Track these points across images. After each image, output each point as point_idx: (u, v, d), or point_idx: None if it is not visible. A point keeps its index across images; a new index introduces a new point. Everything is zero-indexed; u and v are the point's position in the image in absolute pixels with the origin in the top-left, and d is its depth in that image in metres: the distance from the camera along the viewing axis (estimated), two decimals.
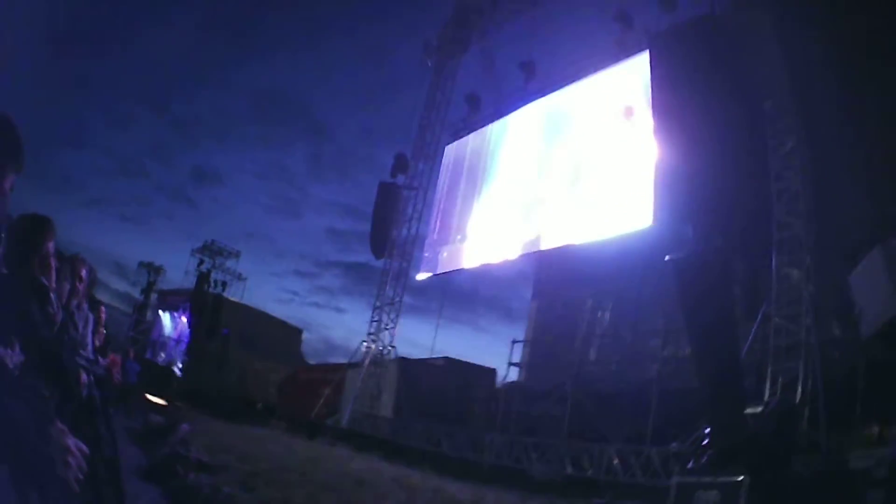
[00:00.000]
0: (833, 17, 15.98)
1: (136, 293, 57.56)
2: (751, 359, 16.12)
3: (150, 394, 22.59)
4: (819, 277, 15.51)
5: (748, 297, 18.10)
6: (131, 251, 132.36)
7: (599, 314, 25.28)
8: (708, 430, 15.07)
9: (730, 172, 16.98)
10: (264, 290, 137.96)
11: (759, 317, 16.48)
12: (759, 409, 14.45)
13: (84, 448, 2.78)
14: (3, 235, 3.75)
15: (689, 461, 15.38)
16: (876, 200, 15.32)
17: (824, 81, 16.02)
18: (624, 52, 23.32)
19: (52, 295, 4.85)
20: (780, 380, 14.80)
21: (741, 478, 12.29)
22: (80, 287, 6.53)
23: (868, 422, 13.57)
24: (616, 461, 17.99)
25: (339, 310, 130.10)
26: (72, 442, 2.72)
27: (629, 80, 22.59)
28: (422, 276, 31.48)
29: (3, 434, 2.46)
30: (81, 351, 6.65)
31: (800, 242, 15.85)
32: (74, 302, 6.30)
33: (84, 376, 5.95)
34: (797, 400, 14.20)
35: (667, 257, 17.91)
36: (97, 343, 8.08)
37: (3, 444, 2.46)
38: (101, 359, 8.46)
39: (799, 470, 12.68)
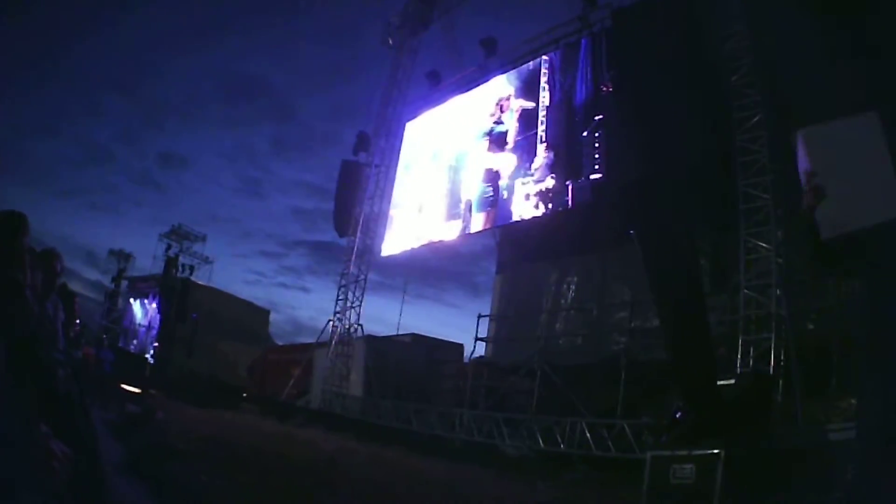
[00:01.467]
0: None
1: (107, 281, 57.52)
2: (720, 330, 16.23)
3: (125, 383, 22.47)
4: (788, 248, 15.65)
5: (714, 270, 18.24)
6: (102, 239, 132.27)
7: (564, 287, 25.30)
8: (680, 403, 15.17)
9: (696, 144, 17.10)
10: (231, 273, 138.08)
11: (730, 287, 16.64)
12: (732, 380, 14.56)
13: (68, 451, 2.79)
14: None
15: (663, 434, 15.49)
16: None
17: (791, 52, 16.09)
18: (586, 27, 23.38)
19: (26, 291, 4.83)
20: (751, 351, 14.93)
21: (717, 451, 12.40)
22: (55, 281, 6.53)
23: (844, 394, 13.75)
24: (588, 435, 18.08)
25: (305, 289, 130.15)
26: (56, 446, 2.72)
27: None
28: (386, 252, 31.50)
29: None
30: (58, 345, 6.63)
31: (767, 216, 15.95)
32: (49, 297, 6.29)
33: (61, 371, 5.93)
34: (770, 371, 14.32)
35: (630, 231, 18.02)
36: (72, 335, 8.04)
37: None
38: (76, 351, 8.43)
39: (776, 442, 12.80)
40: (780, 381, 14.22)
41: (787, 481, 11.43)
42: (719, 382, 14.58)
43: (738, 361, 15.00)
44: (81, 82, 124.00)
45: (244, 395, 34.14)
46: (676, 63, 17.72)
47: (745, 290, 15.75)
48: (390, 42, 34.49)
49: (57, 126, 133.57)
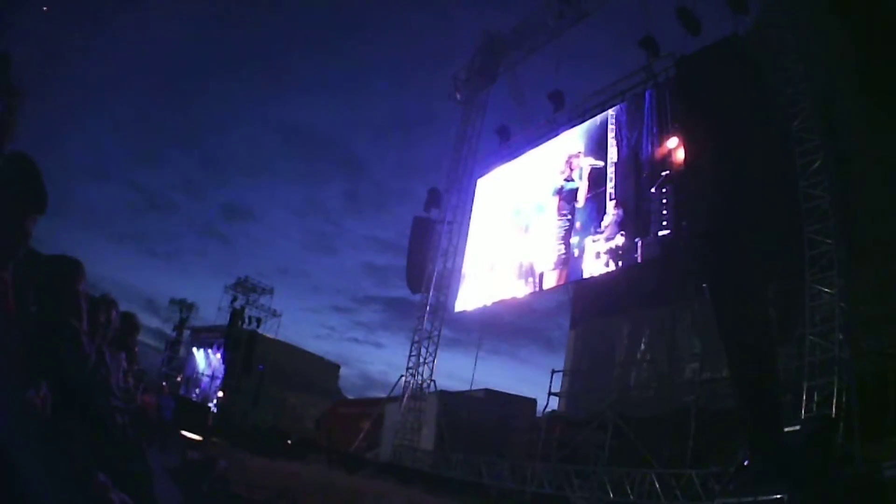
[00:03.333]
0: (856, 33, 16.08)
1: (167, 329, 57.92)
2: (787, 378, 16.12)
3: (187, 430, 22.63)
4: (850, 293, 15.53)
5: (782, 319, 18.11)
6: (162, 287, 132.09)
7: (637, 340, 25.23)
8: (747, 451, 15.08)
9: (759, 193, 17.07)
10: (301, 326, 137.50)
11: (796, 336, 16.50)
12: (797, 427, 14.45)
13: (128, 500, 2.87)
14: (30, 275, 3.89)
15: (730, 482, 15.39)
16: None
17: (850, 98, 16.08)
18: (651, 77, 23.47)
19: (83, 337, 4.94)
20: (815, 396, 14.79)
21: (781, 496, 12.32)
22: (111, 330, 6.66)
23: None
24: (658, 486, 17.97)
25: (377, 345, 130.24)
26: (116, 497, 2.80)
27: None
28: (459, 309, 31.52)
29: (40, 485, 2.50)
30: (116, 391, 6.71)
31: (830, 261, 15.85)
32: (105, 343, 6.41)
33: (119, 418, 6.01)
34: (833, 413, 14.18)
35: (704, 285, 18.02)
36: (130, 381, 8.17)
37: (39, 494, 2.50)
38: (136, 395, 8.55)
39: (837, 484, 12.69)
40: (842, 424, 14.05)
41: None
42: (785, 429, 14.50)
43: (803, 406, 14.83)
44: (137, 132, 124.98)
45: (311, 446, 34.14)
46: (741, 109, 17.73)
47: (810, 336, 15.60)
48: (458, 97, 34.72)
49: (109, 171, 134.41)
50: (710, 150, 18.74)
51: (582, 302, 28.72)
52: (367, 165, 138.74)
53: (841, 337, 15.02)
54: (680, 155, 20.84)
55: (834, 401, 14.35)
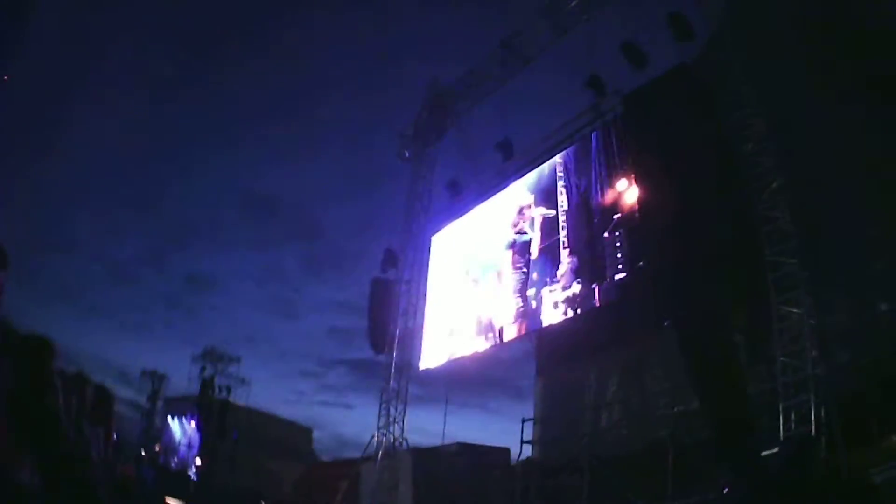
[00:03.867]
0: (801, 47, 16.35)
1: (142, 400, 57.58)
2: (761, 400, 16.20)
3: (170, 497, 22.47)
4: (818, 309, 15.67)
5: (750, 343, 18.22)
6: (133, 358, 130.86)
7: (605, 382, 25.30)
8: (727, 478, 15.13)
9: (716, 219, 17.21)
10: (270, 392, 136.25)
11: (767, 358, 16.60)
12: (776, 449, 14.52)
13: None
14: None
15: None
16: (866, 225, 15.63)
17: (802, 115, 16.31)
18: (598, 117, 23.59)
19: (61, 414, 4.94)
20: (792, 415, 14.85)
21: None
22: (87, 404, 6.63)
23: (886, 435, 13.68)
24: None
25: (347, 406, 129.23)
26: None
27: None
28: (423, 366, 31.38)
29: None
30: (96, 464, 6.69)
31: (795, 280, 15.98)
32: (83, 418, 6.38)
33: (101, 490, 5.99)
34: (812, 431, 14.24)
35: (665, 323, 18.13)
36: (110, 453, 8.12)
37: None
38: (117, 467, 8.50)
39: (823, 495, 12.74)
40: (823, 439, 14.12)
41: None
42: (763, 453, 14.57)
43: (781, 427, 14.89)
44: (101, 202, 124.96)
45: None
46: (691, 139, 17.89)
47: (781, 358, 15.69)
48: (406, 154, 34.65)
49: (74, 243, 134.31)
50: (662, 186, 18.91)
51: (546, 350, 28.72)
52: (324, 228, 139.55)
53: (814, 353, 15.13)
54: (631, 196, 20.91)
55: (812, 418, 14.43)
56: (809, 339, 15.33)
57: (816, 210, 17.13)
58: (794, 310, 15.79)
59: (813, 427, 14.30)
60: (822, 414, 14.40)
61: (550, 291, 23.70)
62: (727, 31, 18.83)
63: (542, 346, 28.83)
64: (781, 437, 14.75)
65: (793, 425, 14.79)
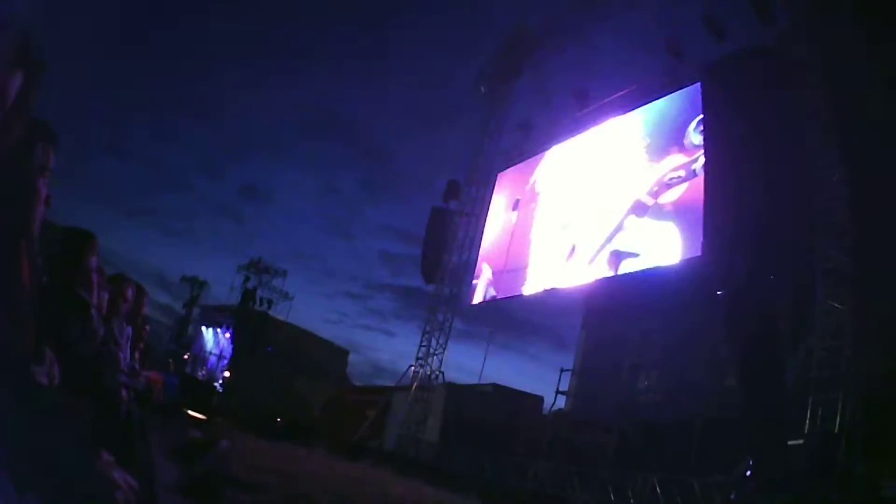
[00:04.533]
0: (879, 48, 15.96)
1: (177, 307, 58.27)
2: (793, 391, 16.06)
3: (190, 409, 22.65)
4: (863, 310, 15.44)
5: (792, 329, 18.03)
6: (174, 264, 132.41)
7: (647, 345, 25.19)
8: (751, 462, 15.05)
9: (778, 205, 16.98)
10: (313, 310, 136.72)
11: (804, 350, 16.42)
12: (801, 441, 14.42)
13: (132, 482, 2.82)
14: (43, 245, 3.86)
15: (732, 493, 15.37)
16: None
17: (871, 114, 15.96)
18: (675, 82, 23.28)
19: (92, 311, 4.91)
20: (820, 411, 14.72)
21: None
22: (125, 307, 6.64)
23: None
24: (659, 491, 17.94)
25: (389, 333, 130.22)
26: (119, 476, 2.75)
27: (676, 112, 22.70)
28: (472, 302, 31.50)
29: (41, 460, 2.47)
30: (123, 367, 6.68)
31: (844, 276, 15.76)
32: (116, 320, 6.38)
33: (123, 392, 5.99)
34: (836, 429, 14.12)
35: (719, 293, 17.95)
36: (137, 357, 8.15)
37: (39, 470, 2.46)
38: (142, 371, 8.53)
39: (834, 499, 12.66)
40: (844, 441, 13.99)
41: None
42: (789, 443, 14.48)
43: (808, 421, 14.77)
44: (153, 105, 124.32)
45: (316, 431, 34.08)
46: (765, 119, 17.64)
47: (819, 351, 15.53)
48: (482, 90, 34.29)
49: (124, 146, 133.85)
50: (734, 161, 18.67)
51: (594, 302, 28.61)
52: (387, 153, 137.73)
53: (850, 353, 14.95)
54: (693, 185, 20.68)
55: (838, 417, 14.30)
56: (848, 338, 15.13)
57: (876, 209, 16.80)
58: (838, 305, 15.58)
59: (837, 426, 14.17)
60: (848, 415, 14.26)
61: (616, 244, 23.48)
62: (806, 21, 18.43)
63: (591, 297, 28.66)
64: (807, 431, 14.64)
65: (818, 421, 14.66)
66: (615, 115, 26.11)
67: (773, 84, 18.16)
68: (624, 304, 25.52)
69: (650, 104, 24.64)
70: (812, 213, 16.78)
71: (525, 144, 32.06)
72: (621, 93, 26.51)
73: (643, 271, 22.03)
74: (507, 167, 32.95)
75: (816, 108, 17.32)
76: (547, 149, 30.15)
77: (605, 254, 23.51)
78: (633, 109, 25.34)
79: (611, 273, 22.93)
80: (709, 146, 20.29)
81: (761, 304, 16.95)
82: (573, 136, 28.61)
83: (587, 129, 27.69)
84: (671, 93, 23.44)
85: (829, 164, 16.81)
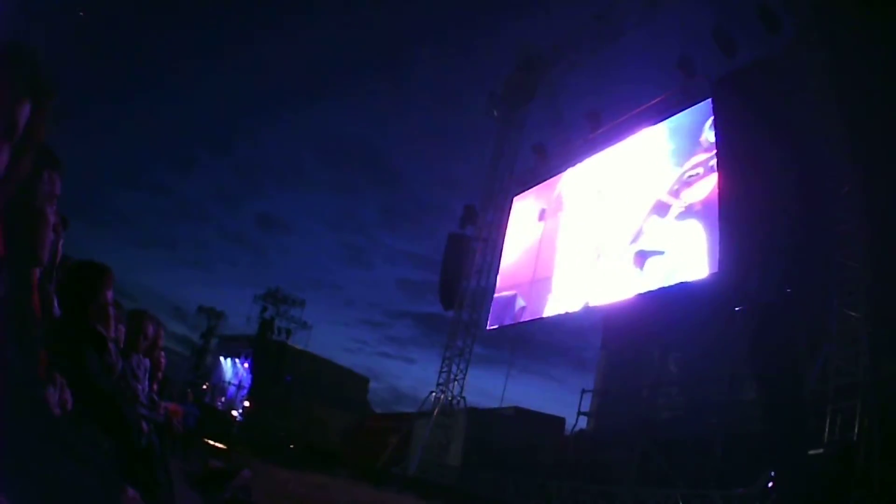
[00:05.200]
0: (886, 57, 16.01)
1: (195, 337, 58.23)
2: (812, 399, 16.06)
3: (210, 438, 22.70)
4: (878, 316, 15.43)
5: (809, 339, 18.02)
6: (190, 295, 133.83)
7: (666, 362, 25.20)
8: (773, 474, 15.05)
9: (791, 216, 17.04)
10: (332, 339, 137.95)
11: (821, 359, 16.43)
12: (821, 450, 14.41)
13: None
14: (57, 279, 3.93)
15: None
16: None
17: (882, 119, 15.99)
18: (688, 98, 23.37)
19: (110, 344, 4.99)
20: (838, 419, 14.70)
21: None
22: (144, 344, 6.74)
23: None
24: None
25: (408, 360, 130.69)
26: None
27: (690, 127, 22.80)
28: (491, 327, 31.44)
29: (65, 496, 2.50)
30: (142, 399, 6.75)
31: (858, 284, 15.76)
32: (136, 355, 6.48)
33: (144, 425, 6.06)
34: (855, 437, 14.10)
35: (737, 308, 17.99)
36: (156, 389, 8.24)
37: None
38: (161, 403, 8.61)
39: None
40: (863, 448, 13.96)
41: None
42: (809, 452, 14.48)
43: (827, 430, 14.75)
44: (169, 136, 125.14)
45: (337, 458, 34.04)
46: (775, 131, 17.71)
47: (836, 359, 15.53)
48: (495, 113, 34.58)
49: (141, 177, 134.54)
50: (746, 174, 18.74)
51: (613, 322, 28.65)
52: (404, 179, 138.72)
53: (867, 361, 14.94)
54: (712, 182, 20.73)
55: (856, 424, 14.27)
56: (865, 345, 15.13)
57: (888, 215, 16.80)
58: (853, 313, 15.59)
59: (856, 434, 14.15)
60: (867, 422, 14.23)
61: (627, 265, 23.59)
62: (814, 28, 18.49)
63: (609, 317, 28.71)
64: (826, 440, 14.63)
65: (837, 430, 14.64)
66: (631, 133, 26.20)
67: (783, 95, 18.24)
68: (641, 323, 25.53)
69: (660, 124, 24.76)
70: (825, 222, 16.81)
71: (540, 167, 32.12)
72: (635, 111, 26.61)
73: (664, 288, 21.99)
74: (523, 191, 32.96)
75: (826, 116, 17.36)
76: (563, 170, 30.15)
77: (630, 255, 23.55)
78: (649, 126, 25.44)
79: (637, 271, 22.93)
80: (721, 163, 20.35)
81: (778, 317, 16.98)
82: (589, 155, 28.64)
83: (602, 149, 27.74)
84: (683, 109, 23.53)
85: (840, 172, 16.84)
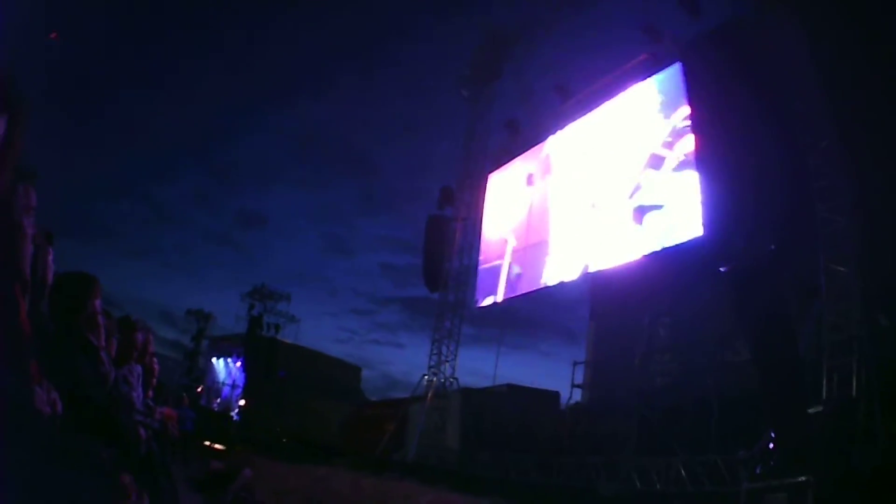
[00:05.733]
0: (856, 8, 15.96)
1: (185, 340, 58.11)
2: (807, 358, 16.04)
3: (209, 440, 22.65)
4: (866, 270, 15.41)
5: (799, 297, 18.01)
6: (178, 299, 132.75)
7: (657, 329, 25.18)
8: (773, 434, 15.03)
9: (772, 174, 16.99)
10: (320, 331, 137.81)
11: (813, 316, 16.43)
12: (820, 408, 14.39)
13: None
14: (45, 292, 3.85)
15: (757, 466, 15.33)
16: None
17: (855, 74, 15.95)
18: (656, 64, 23.26)
19: (102, 354, 4.93)
20: (835, 376, 14.68)
21: (807, 478, 12.29)
22: (135, 352, 6.66)
23: None
24: (683, 472, 17.90)
25: (398, 345, 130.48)
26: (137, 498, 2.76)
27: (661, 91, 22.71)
28: (479, 305, 31.41)
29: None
30: (138, 406, 6.69)
31: (844, 238, 15.74)
32: (127, 364, 6.40)
33: (141, 431, 6.00)
34: (853, 393, 14.08)
35: (722, 268, 17.95)
36: (150, 395, 8.16)
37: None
38: (156, 408, 8.55)
39: (858, 465, 12.63)
40: (863, 403, 13.95)
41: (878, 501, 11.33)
42: (809, 410, 14.47)
43: (825, 387, 14.74)
44: (145, 144, 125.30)
45: (336, 450, 34.03)
46: (748, 91, 17.64)
47: (828, 316, 15.50)
48: (464, 94, 34.65)
49: (122, 188, 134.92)
50: (719, 135, 18.68)
51: (600, 292, 28.64)
52: (379, 167, 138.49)
53: (859, 315, 14.93)
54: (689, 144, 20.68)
55: (854, 380, 14.26)
56: (856, 300, 15.11)
57: (869, 165, 16.76)
58: (842, 268, 15.56)
59: (854, 389, 14.14)
60: (864, 377, 14.22)
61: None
62: None
63: (596, 287, 28.69)
64: (825, 397, 14.61)
65: (835, 386, 14.63)
66: (598, 105, 26.13)
67: (753, 53, 18.15)
68: (629, 291, 25.46)
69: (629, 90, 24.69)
70: (806, 178, 16.76)
71: (513, 143, 32.02)
72: (604, 80, 26.50)
73: (666, 249, 21.80)
74: (497, 167, 32.87)
75: (797, 73, 17.30)
76: (545, 139, 29.91)
77: (629, 210, 23.40)
78: (615, 96, 25.37)
79: (636, 227, 22.78)
80: (696, 125, 20.28)
81: (765, 275, 16.95)
82: (559, 129, 28.58)
83: (585, 113, 27.42)
84: (652, 75, 23.43)
85: (817, 127, 16.79)
